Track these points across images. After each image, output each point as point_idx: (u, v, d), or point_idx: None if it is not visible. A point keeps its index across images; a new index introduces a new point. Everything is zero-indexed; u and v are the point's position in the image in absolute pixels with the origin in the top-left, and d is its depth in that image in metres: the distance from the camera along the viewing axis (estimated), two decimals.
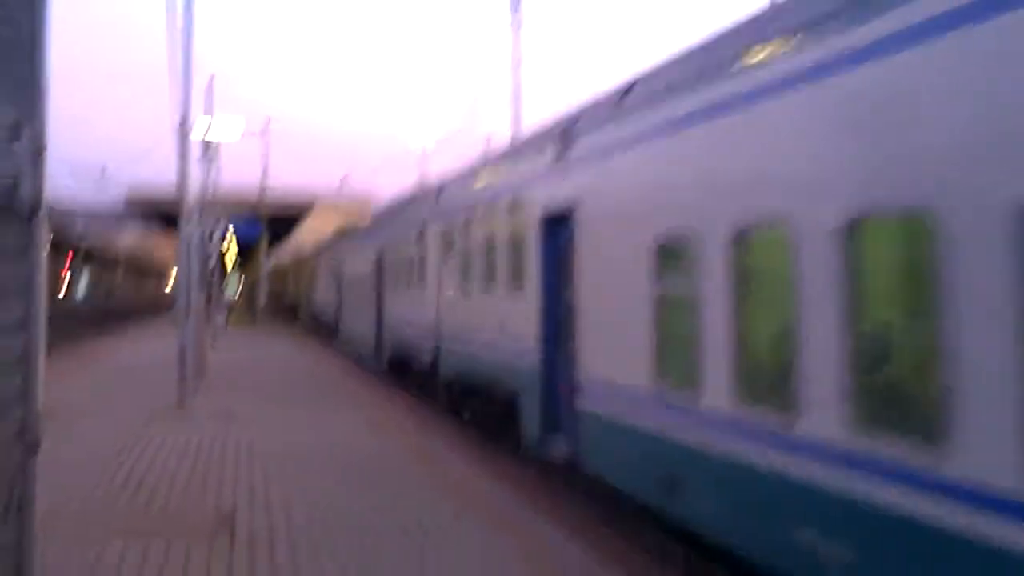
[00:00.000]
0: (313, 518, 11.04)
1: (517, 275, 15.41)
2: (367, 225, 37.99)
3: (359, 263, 35.46)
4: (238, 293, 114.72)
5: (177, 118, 22.07)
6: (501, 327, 16.09)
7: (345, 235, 45.04)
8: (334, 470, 13.92)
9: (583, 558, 9.75)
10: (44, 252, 2.92)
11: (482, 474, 13.99)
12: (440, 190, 22.36)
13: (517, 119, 41.33)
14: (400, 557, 9.55)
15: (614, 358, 11.57)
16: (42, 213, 2.83)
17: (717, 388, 8.86)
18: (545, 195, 14.15)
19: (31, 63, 2.95)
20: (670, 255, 10.03)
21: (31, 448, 2.63)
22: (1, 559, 2.35)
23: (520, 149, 16.34)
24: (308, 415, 19.69)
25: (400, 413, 20.58)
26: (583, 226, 12.64)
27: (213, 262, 39.19)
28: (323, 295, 50.35)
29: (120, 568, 8.97)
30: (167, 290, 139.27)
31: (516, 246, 15.51)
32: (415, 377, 24.87)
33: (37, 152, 2.84)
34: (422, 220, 23.51)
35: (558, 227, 13.83)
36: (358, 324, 34.85)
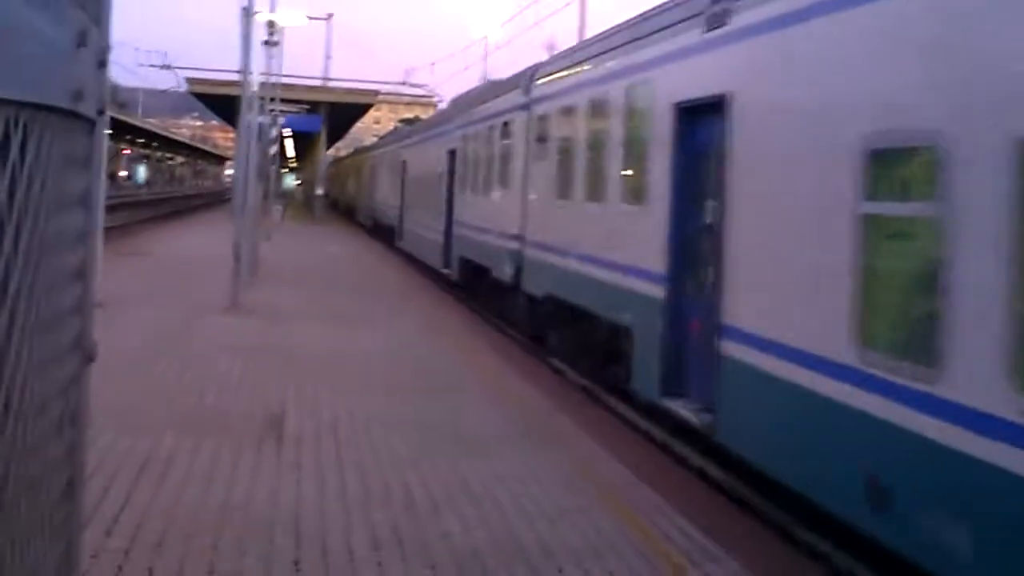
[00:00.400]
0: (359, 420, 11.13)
1: (636, 180, 12.98)
2: (437, 117, 34.91)
3: (427, 160, 32.57)
4: (296, 187, 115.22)
5: (240, 6, 21.90)
6: (609, 242, 13.78)
7: (411, 129, 42.36)
8: (386, 378, 14.00)
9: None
10: (101, 160, 2.88)
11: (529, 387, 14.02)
12: (533, 74, 19.43)
13: (583, 13, 40.87)
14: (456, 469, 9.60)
15: (784, 299, 8.80)
16: (103, 119, 2.77)
17: (976, 368, 6.17)
18: (684, 79, 11.47)
19: None
20: (893, 163, 7.43)
21: (86, 360, 2.60)
22: (54, 473, 2.33)
23: (647, 22, 13.29)
24: (356, 319, 19.76)
25: (460, 322, 20.60)
26: (742, 120, 9.83)
27: (272, 153, 39.16)
28: (384, 194, 47.03)
29: (172, 460, 9.08)
30: (227, 179, 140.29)
31: (636, 145, 13.03)
32: (489, 291, 22.59)
33: (102, 59, 2.77)
34: (508, 110, 20.83)
35: (700, 122, 11.01)
36: (424, 228, 32.06)
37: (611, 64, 14.38)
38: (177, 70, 65.15)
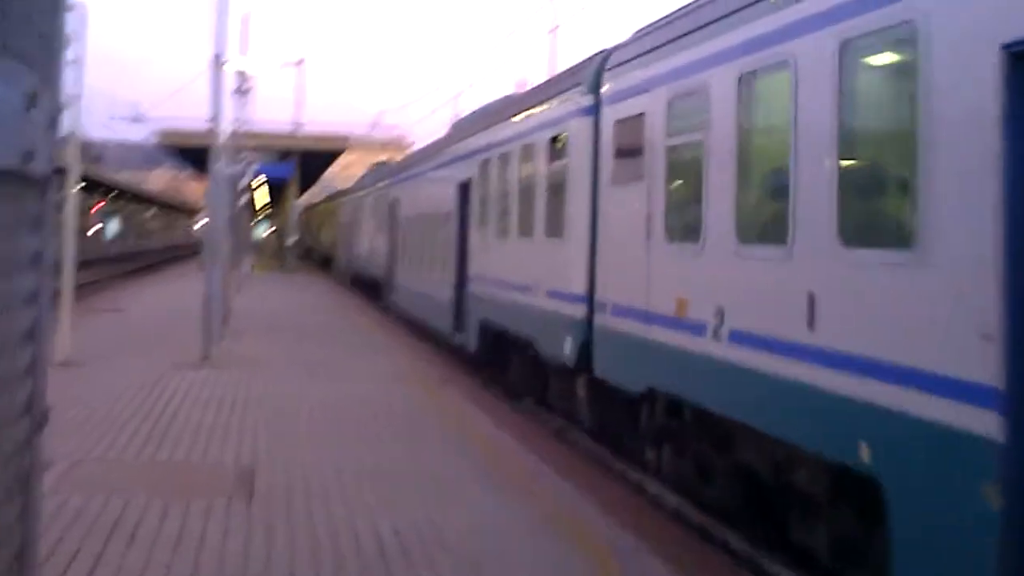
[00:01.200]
0: (331, 473, 11.03)
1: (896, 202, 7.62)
2: (438, 144, 27.83)
3: (427, 197, 26.92)
4: (268, 235, 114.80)
5: (212, 53, 21.91)
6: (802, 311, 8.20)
7: (401, 162, 37.11)
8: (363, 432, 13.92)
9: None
10: (59, 219, 2.85)
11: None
12: (605, 60, 14.05)
13: (553, 58, 41.21)
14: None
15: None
16: (55, 183, 2.74)
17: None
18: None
19: (52, 22, 2.87)
20: None
21: (39, 424, 2.56)
22: (3, 540, 2.29)
23: None
24: (333, 372, 19.68)
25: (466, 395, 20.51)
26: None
27: (243, 203, 39.09)
28: (369, 241, 40.87)
29: (142, 522, 8.97)
30: (196, 229, 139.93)
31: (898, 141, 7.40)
32: (526, 370, 17.38)
33: (53, 119, 2.75)
34: (557, 121, 15.43)
35: None
36: (424, 282, 26.44)
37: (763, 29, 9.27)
38: (148, 122, 64.92)
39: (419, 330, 28.03)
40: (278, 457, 11.70)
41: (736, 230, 9.58)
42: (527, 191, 16.82)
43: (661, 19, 12.51)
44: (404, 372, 19.38)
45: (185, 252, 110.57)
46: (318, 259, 75.69)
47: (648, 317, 11.71)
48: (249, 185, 43.15)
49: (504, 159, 18.71)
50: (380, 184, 38.34)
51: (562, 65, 30.04)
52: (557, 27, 45.22)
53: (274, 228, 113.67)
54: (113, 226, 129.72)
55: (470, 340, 20.69)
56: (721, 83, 10.03)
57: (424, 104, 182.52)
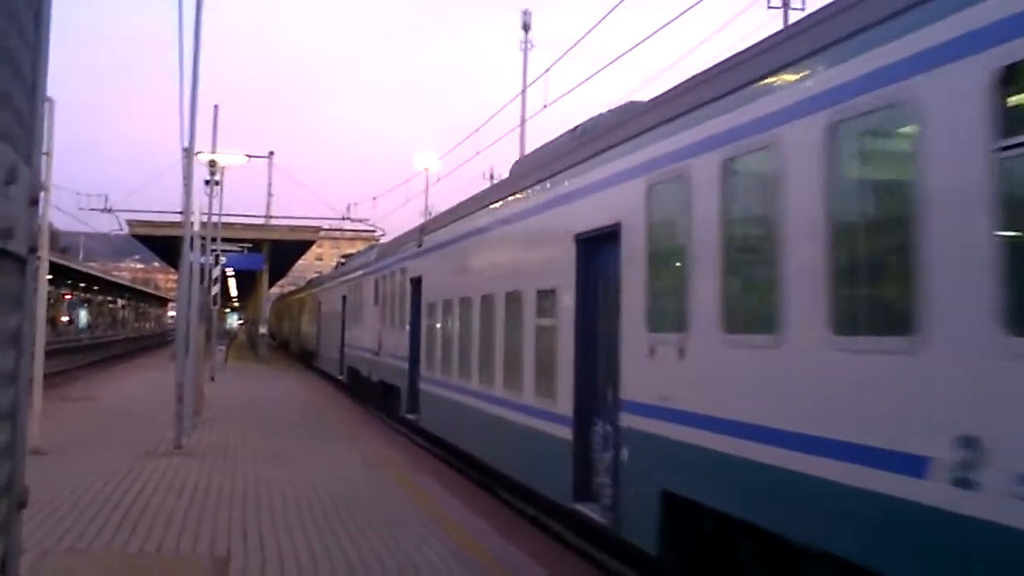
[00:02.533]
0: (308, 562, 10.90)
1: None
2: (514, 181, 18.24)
3: (478, 271, 19.18)
4: (239, 326, 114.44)
5: (182, 147, 21.99)
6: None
7: (422, 226, 25.68)
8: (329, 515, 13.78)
9: None
10: (35, 300, 2.82)
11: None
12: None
13: (523, 143, 41.56)
14: None
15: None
16: (35, 260, 2.71)
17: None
18: None
19: (32, 101, 2.86)
20: None
21: (17, 505, 2.51)
22: None
23: None
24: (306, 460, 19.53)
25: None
26: None
27: (215, 293, 38.97)
28: (369, 335, 33.31)
29: None
30: (169, 321, 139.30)
31: None
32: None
33: (34, 196, 2.73)
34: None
35: None
36: (472, 395, 18.49)
37: None
38: (118, 213, 64.91)
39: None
40: (252, 546, 11.54)
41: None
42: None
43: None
44: (375, 460, 19.25)
45: (158, 341, 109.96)
46: (296, 351, 73.05)
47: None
48: (222, 275, 43.08)
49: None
50: (387, 260, 30.66)
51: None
52: (526, 121, 45.61)
53: (244, 321, 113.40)
54: (84, 315, 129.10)
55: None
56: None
57: (394, 196, 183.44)
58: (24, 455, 2.63)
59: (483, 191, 21.32)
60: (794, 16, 36.92)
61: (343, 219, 74.83)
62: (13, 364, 2.58)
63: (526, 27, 48.90)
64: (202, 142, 29.62)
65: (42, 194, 2.68)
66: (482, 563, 11.10)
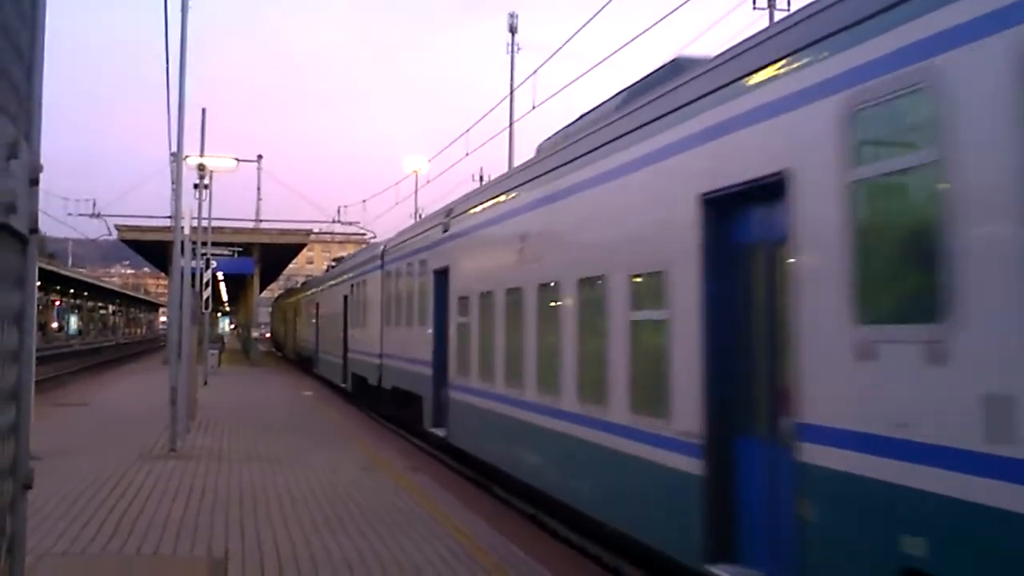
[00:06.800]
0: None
1: None
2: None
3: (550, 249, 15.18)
4: (231, 331, 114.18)
5: (170, 151, 21.96)
6: None
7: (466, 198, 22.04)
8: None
9: None
10: (35, 280, 2.76)
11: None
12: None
13: (511, 145, 41.55)
14: None
15: None
16: (35, 237, 2.65)
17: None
18: None
19: (29, 80, 2.81)
20: None
21: (23, 486, 2.45)
22: None
23: None
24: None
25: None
26: None
27: (206, 297, 38.86)
28: (376, 337, 30.11)
29: None
30: (161, 325, 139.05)
31: None
32: None
33: (34, 172, 2.67)
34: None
35: None
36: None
37: None
38: (107, 218, 64.73)
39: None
40: (250, 547, 11.48)
41: None
42: None
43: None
44: (373, 461, 19.18)
45: (150, 346, 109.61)
46: (295, 355, 69.32)
47: None
48: (212, 279, 42.95)
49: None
50: (410, 241, 26.39)
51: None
52: (514, 123, 45.53)
53: (236, 326, 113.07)
54: (74, 321, 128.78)
55: None
56: None
57: (384, 198, 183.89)
58: (28, 436, 2.57)
59: (534, 158, 16.65)
60: (779, 16, 36.96)
61: (333, 222, 74.73)
62: (16, 344, 2.52)
63: (513, 30, 48.81)
64: (190, 146, 29.50)
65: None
66: (484, 563, 11.04)
